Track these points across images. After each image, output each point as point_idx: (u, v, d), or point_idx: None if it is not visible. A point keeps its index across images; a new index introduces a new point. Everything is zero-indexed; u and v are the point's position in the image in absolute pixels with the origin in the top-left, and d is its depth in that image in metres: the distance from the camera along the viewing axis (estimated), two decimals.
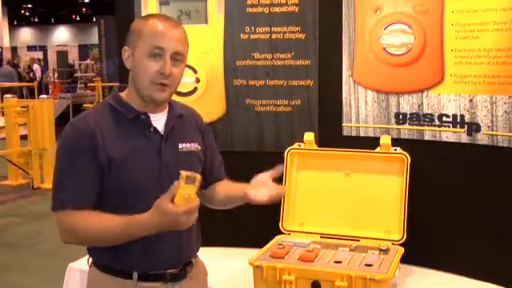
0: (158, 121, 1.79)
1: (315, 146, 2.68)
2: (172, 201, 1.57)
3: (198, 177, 1.59)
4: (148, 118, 1.76)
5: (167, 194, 1.57)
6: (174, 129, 1.81)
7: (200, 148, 1.88)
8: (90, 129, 1.68)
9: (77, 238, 1.70)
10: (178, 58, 1.72)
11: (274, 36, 2.75)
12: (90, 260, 1.82)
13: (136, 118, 1.75)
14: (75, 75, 17.70)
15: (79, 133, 1.69)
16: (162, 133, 1.78)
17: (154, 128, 1.77)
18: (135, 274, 1.74)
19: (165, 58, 1.69)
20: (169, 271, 1.78)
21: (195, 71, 2.79)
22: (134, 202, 1.68)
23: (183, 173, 1.58)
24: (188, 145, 1.83)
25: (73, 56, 23.29)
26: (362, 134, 2.69)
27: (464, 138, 2.47)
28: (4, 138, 8.26)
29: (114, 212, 1.68)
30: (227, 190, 1.97)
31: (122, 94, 1.80)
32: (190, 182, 1.59)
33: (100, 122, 1.71)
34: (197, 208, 1.60)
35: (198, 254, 1.93)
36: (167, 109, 1.83)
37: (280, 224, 2.62)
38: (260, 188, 1.84)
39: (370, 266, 2.20)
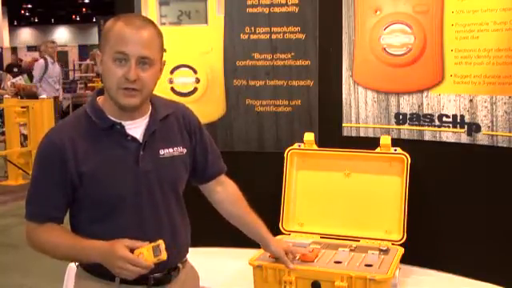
0: (137, 128, 1.74)
1: (315, 147, 2.68)
2: (131, 250, 1.62)
3: (164, 258, 1.63)
4: (123, 127, 1.71)
5: (131, 242, 1.63)
6: (154, 134, 1.75)
7: (185, 151, 1.83)
8: (61, 142, 1.67)
9: (35, 247, 1.75)
10: (146, 61, 1.65)
11: (274, 36, 2.75)
12: None
13: (111, 128, 1.71)
14: (71, 78, 17.64)
15: (50, 146, 1.70)
16: (141, 140, 1.73)
17: (132, 137, 1.72)
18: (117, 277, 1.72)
19: (130, 62, 1.63)
20: (152, 275, 1.74)
21: (195, 71, 2.79)
22: (110, 215, 1.69)
23: (160, 241, 1.64)
24: (170, 150, 1.78)
25: (73, 56, 23.27)
26: (362, 135, 2.69)
27: (464, 139, 2.47)
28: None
29: (90, 225, 1.71)
30: (247, 218, 2.05)
31: (100, 101, 1.75)
32: (155, 253, 1.63)
33: (74, 133, 1.69)
34: (137, 272, 1.62)
35: (198, 254, 1.92)
36: (149, 113, 1.77)
37: (280, 224, 2.62)
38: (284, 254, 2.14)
39: (370, 266, 2.20)
